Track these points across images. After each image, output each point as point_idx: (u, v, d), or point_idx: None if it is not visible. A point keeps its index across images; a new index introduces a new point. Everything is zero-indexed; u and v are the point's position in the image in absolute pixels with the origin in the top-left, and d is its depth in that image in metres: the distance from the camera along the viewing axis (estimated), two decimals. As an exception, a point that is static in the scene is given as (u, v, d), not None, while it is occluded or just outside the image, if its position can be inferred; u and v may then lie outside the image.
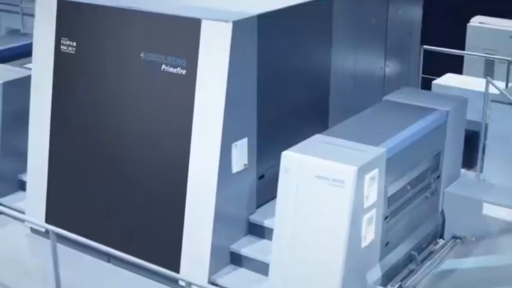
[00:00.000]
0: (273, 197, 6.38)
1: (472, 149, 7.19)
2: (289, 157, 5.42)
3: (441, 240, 6.66)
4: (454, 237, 6.56)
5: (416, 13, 8.05)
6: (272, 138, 6.24)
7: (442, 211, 6.67)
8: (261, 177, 6.23)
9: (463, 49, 9.20)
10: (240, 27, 5.59)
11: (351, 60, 7.07)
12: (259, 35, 5.85)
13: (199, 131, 5.75)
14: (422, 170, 6.22)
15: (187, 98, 5.78)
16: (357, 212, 5.30)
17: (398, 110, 6.38)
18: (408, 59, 8.05)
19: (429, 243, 6.56)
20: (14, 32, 9.47)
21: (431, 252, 6.45)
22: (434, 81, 7.88)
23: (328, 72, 6.78)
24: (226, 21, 5.55)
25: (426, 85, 8.53)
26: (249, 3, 6.31)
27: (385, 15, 7.45)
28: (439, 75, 8.67)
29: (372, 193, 5.42)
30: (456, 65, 9.19)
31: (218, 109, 5.63)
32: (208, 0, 6.35)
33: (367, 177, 5.31)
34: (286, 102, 6.37)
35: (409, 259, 6.18)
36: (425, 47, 8.11)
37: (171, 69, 5.83)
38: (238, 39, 5.59)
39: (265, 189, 6.30)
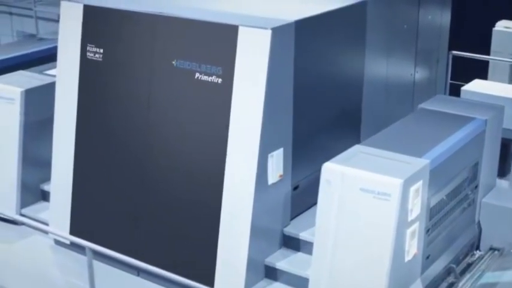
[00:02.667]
0: (307, 207, 6.29)
1: (505, 157, 7.03)
2: (330, 169, 5.25)
3: (478, 251, 6.49)
4: (492, 249, 6.40)
5: (445, 18, 7.90)
6: (306, 148, 6.07)
7: (479, 222, 6.51)
8: (295, 188, 6.06)
9: (488, 54, 9.03)
10: (278, 34, 5.41)
11: (383, 67, 6.91)
12: (296, 41, 5.67)
13: (235, 141, 5.57)
14: (461, 181, 6.06)
15: (222, 107, 5.59)
16: (401, 226, 5.13)
17: (436, 119, 6.21)
18: (436, 64, 7.89)
19: (466, 255, 6.39)
20: (30, 37, 9.24)
21: (469, 265, 6.28)
22: (463, 88, 7.71)
23: (361, 79, 6.61)
24: (265, 28, 5.36)
25: (452, 91, 8.36)
26: (280, 8, 6.16)
27: (416, 21, 7.29)
28: (463, 80, 8.51)
29: (416, 206, 5.25)
30: (480, 70, 9.03)
31: (256, 119, 5.45)
32: (241, 5, 6.19)
33: (412, 189, 5.14)
34: (320, 111, 6.20)
35: (447, 272, 6.01)
36: (454, 52, 7.94)
37: (206, 78, 5.64)
38: (277, 47, 5.41)
39: (299, 200, 6.14)
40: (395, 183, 5.01)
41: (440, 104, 6.55)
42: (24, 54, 8.25)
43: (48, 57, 8.11)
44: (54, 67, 7.58)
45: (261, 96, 5.42)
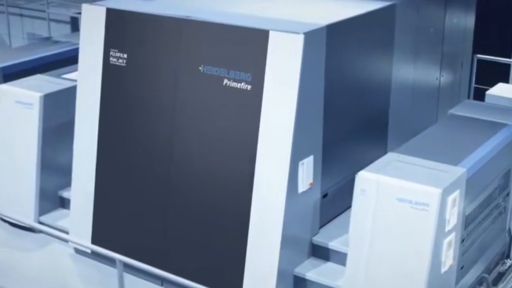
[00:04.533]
0: (335, 216, 6.16)
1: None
2: (366, 178, 5.10)
3: (509, 260, 6.36)
4: (523, 258, 6.28)
5: (470, 21, 7.75)
6: (335, 154, 5.93)
7: (509, 230, 6.37)
8: (324, 195, 5.91)
9: (510, 57, 8.89)
10: (310, 38, 5.25)
11: (410, 71, 6.77)
12: (327, 46, 5.52)
13: (265, 149, 5.41)
14: (493, 189, 5.92)
15: (252, 114, 5.43)
16: (439, 236, 4.99)
17: (467, 126, 6.08)
18: (461, 68, 7.75)
19: (496, 264, 6.26)
20: (45, 40, 9.07)
21: (501, 274, 6.15)
22: (487, 92, 7.55)
23: (389, 84, 6.46)
24: (297, 33, 5.21)
25: (475, 95, 8.23)
26: (308, 11, 6.02)
27: (442, 24, 7.15)
28: (484, 83, 8.37)
29: (453, 216, 5.10)
30: (501, 74, 8.89)
31: (287, 126, 5.30)
32: (268, 8, 6.04)
33: (450, 199, 5.00)
34: (348, 116, 6.06)
35: (480, 282, 5.88)
36: (479, 56, 7.80)
37: (234, 84, 5.48)
38: (309, 52, 5.26)
39: (328, 209, 6.00)
40: (434, 193, 4.87)
41: (469, 110, 6.41)
42: (41, 57, 8.07)
43: (65, 60, 7.94)
44: (72, 71, 7.47)
45: (293, 103, 5.26)
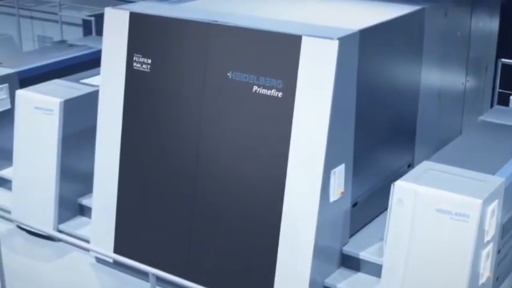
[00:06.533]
0: (364, 225, 6.03)
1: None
2: (403, 188, 4.96)
3: (541, 270, 6.22)
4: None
5: (494, 25, 7.63)
6: (365, 162, 5.79)
7: (541, 239, 6.24)
8: (354, 204, 5.78)
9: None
10: (344, 44, 5.11)
11: (437, 77, 6.64)
12: (359, 52, 5.38)
13: (297, 157, 5.27)
14: (526, 197, 5.79)
15: (283, 121, 5.29)
16: (478, 248, 4.86)
17: (500, 132, 5.96)
18: (485, 72, 7.62)
19: (529, 274, 6.13)
20: (60, 43, 8.90)
21: (534, 284, 6.02)
22: (513, 97, 7.44)
23: (417, 90, 6.33)
24: (331, 39, 5.07)
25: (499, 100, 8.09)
26: (337, 15, 5.90)
27: (469, 28, 7.02)
28: (507, 88, 8.23)
29: (492, 226, 4.97)
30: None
31: (321, 134, 5.16)
32: (297, 13, 5.91)
33: (489, 209, 4.87)
34: (379, 123, 5.93)
35: (513, 293, 5.76)
36: (504, 60, 7.67)
37: (264, 91, 5.34)
38: (343, 58, 5.12)
39: (358, 218, 5.87)
40: (475, 204, 4.73)
41: (500, 116, 6.29)
42: (58, 62, 7.91)
43: (82, 64, 7.80)
44: (91, 75, 7.33)
45: (326, 111, 5.12)
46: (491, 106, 7.69)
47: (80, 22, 10.50)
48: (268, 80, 5.31)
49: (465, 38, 7.01)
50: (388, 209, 5.08)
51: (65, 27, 10.60)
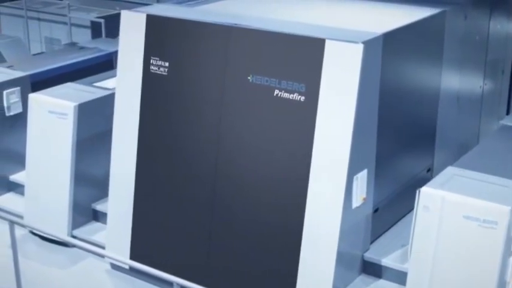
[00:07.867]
0: (384, 231, 5.94)
1: None
2: (430, 194, 4.88)
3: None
4: None
5: (511, 27, 7.54)
6: (387, 168, 5.71)
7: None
8: (375, 210, 5.70)
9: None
10: (369, 48, 5.02)
11: (456, 80, 6.56)
12: (383, 55, 5.30)
13: (320, 162, 5.18)
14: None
15: (305, 126, 5.20)
16: (506, 256, 4.78)
17: (523, 137, 5.88)
18: (502, 75, 7.54)
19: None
20: (70, 46, 8.80)
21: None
22: (529, 100, 7.38)
23: (437, 93, 6.26)
24: (356, 42, 4.98)
25: None
26: (359, 18, 5.81)
27: (487, 31, 6.94)
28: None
29: (518, 234, 4.90)
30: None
31: (344, 139, 5.07)
32: (319, 15, 5.82)
33: (516, 216, 4.79)
34: (400, 127, 5.86)
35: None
36: (520, 63, 7.59)
37: (286, 95, 5.25)
38: (367, 62, 5.03)
39: (378, 224, 5.79)
40: (503, 211, 4.65)
41: (523, 120, 6.23)
42: (70, 64, 7.81)
43: (94, 66, 7.71)
44: (104, 78, 7.24)
45: (350, 115, 5.04)
46: (508, 109, 7.62)
47: (88, 24, 10.39)
48: (291, 84, 5.22)
49: (483, 41, 6.94)
50: (413, 216, 4.99)
51: (73, 29, 10.50)
